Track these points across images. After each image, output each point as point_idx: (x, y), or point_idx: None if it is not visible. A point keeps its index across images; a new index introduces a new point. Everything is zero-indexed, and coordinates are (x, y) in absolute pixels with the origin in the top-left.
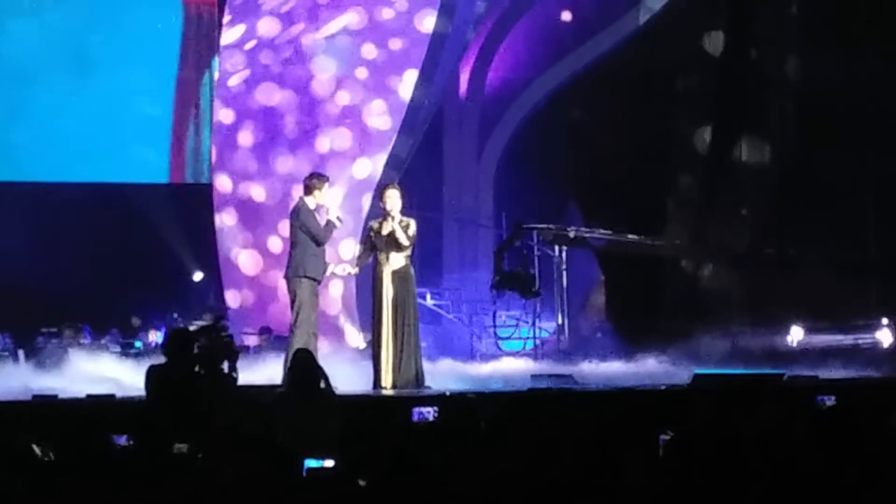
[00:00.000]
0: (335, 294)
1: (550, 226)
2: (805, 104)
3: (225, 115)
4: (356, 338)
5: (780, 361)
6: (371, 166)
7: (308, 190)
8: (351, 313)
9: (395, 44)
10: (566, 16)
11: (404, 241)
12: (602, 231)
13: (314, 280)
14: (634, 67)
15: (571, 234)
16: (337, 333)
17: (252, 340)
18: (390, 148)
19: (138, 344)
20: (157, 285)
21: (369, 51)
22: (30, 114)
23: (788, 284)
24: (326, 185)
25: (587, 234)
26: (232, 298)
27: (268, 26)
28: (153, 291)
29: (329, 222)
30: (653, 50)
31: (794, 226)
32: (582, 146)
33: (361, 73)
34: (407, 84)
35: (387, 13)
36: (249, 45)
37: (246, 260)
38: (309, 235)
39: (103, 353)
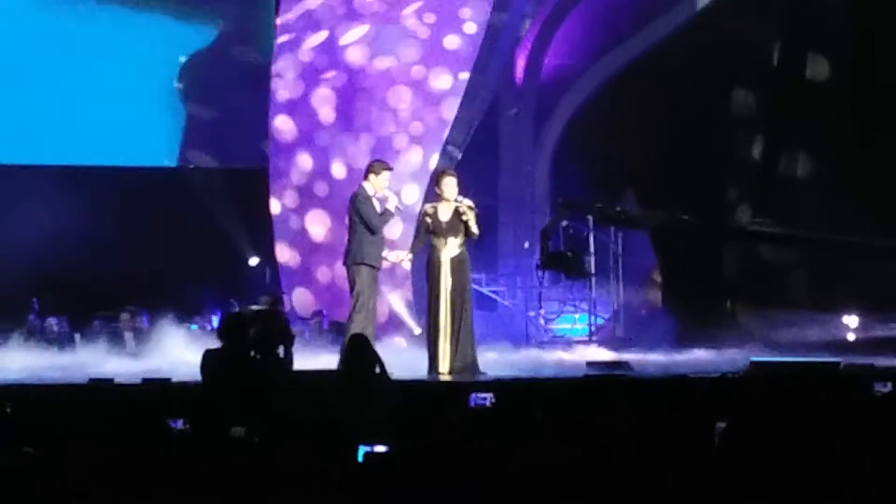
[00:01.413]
0: (392, 280)
1: (597, 203)
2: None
3: (279, 119)
4: (412, 323)
5: (837, 350)
6: (424, 155)
7: (367, 174)
8: (407, 299)
9: (449, 32)
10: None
11: (476, 229)
12: (652, 211)
13: (373, 267)
14: (691, 51)
15: (618, 210)
16: (393, 319)
17: (308, 324)
18: (446, 134)
19: (194, 326)
20: (213, 269)
21: (423, 38)
22: (89, 97)
23: (846, 272)
24: (385, 172)
25: (636, 214)
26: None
27: (317, 25)
28: (210, 275)
29: (386, 211)
30: (710, 35)
31: (852, 211)
32: (638, 132)
33: (413, 66)
34: (462, 70)
35: (444, 8)
36: (300, 45)
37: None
38: (363, 223)
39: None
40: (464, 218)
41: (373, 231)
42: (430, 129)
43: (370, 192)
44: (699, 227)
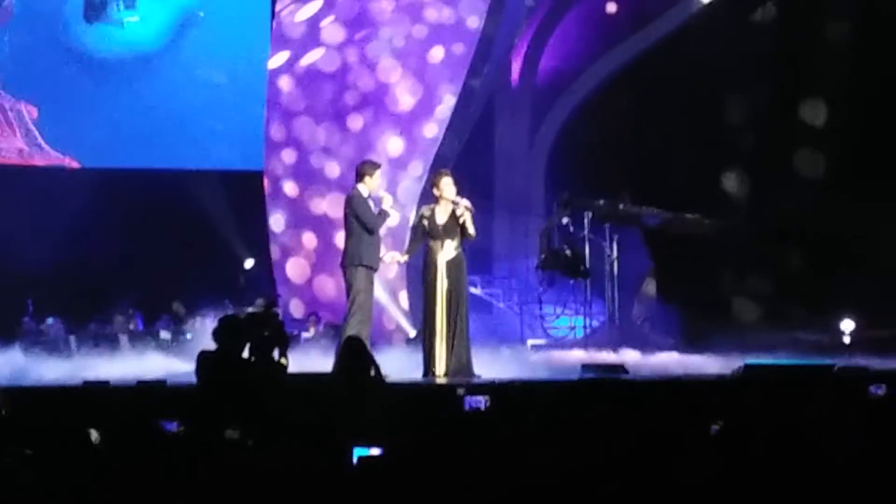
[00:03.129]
0: (386, 282)
1: (599, 201)
2: (862, 73)
3: (275, 128)
4: (407, 326)
5: (832, 352)
6: (418, 150)
7: (360, 177)
8: (401, 301)
9: (445, 40)
10: (612, 7)
11: (472, 230)
12: (652, 209)
13: (370, 268)
14: (686, 54)
15: (620, 208)
16: (388, 321)
17: (303, 327)
18: (440, 140)
19: (189, 333)
20: (209, 272)
21: (424, 52)
22: (101, 107)
23: (844, 273)
24: (377, 171)
25: (637, 211)
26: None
27: (316, 37)
28: (205, 278)
29: (382, 211)
30: (705, 34)
31: (850, 214)
32: (634, 134)
33: (415, 65)
34: (457, 78)
35: (441, 15)
36: (298, 57)
37: (294, 270)
38: (361, 224)
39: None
40: (461, 220)
41: (371, 231)
42: (425, 135)
43: (364, 193)
44: (696, 226)
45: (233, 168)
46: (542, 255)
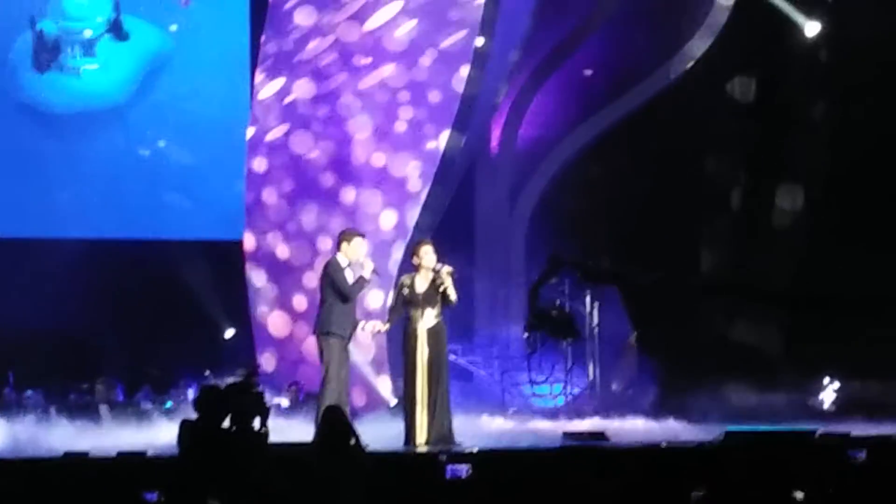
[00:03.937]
0: (367, 350)
1: (589, 261)
2: (839, 148)
3: (258, 167)
4: (388, 394)
5: (814, 417)
6: (403, 220)
7: (338, 245)
8: (382, 370)
9: (432, 97)
10: (595, 73)
11: (454, 296)
12: (641, 270)
13: (341, 337)
14: (667, 120)
15: (614, 268)
16: (368, 390)
17: (283, 398)
18: (422, 202)
19: (169, 403)
20: (189, 342)
21: (405, 106)
22: (61, 168)
23: (825, 336)
24: (357, 239)
25: (625, 271)
26: (264, 360)
27: (304, 81)
28: (186, 348)
29: (360, 278)
30: (685, 102)
31: (828, 273)
32: (614, 199)
33: (398, 126)
34: (441, 139)
35: (423, 68)
36: (286, 100)
37: (275, 322)
38: (335, 291)
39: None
40: (441, 288)
41: (346, 298)
42: (405, 195)
43: (343, 262)
44: (678, 288)
45: (210, 238)
46: (531, 316)
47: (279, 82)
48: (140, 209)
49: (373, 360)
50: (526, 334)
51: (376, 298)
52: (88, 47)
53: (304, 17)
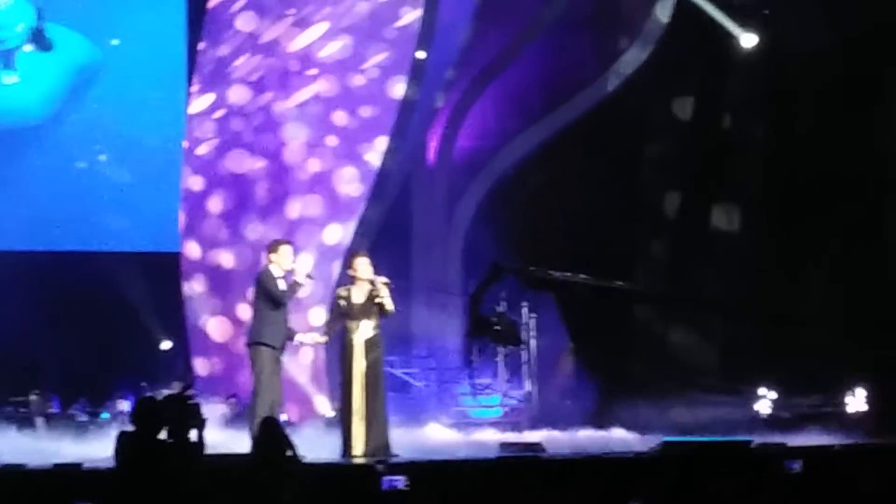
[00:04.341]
0: (304, 362)
1: (531, 267)
2: (775, 168)
3: (194, 182)
4: (325, 406)
5: (750, 427)
6: (341, 232)
7: (268, 256)
8: (320, 382)
9: (366, 111)
10: (533, 84)
11: (391, 306)
12: (585, 277)
13: (272, 347)
14: (604, 132)
15: (556, 276)
16: (306, 402)
17: (220, 408)
18: (360, 214)
19: (106, 414)
20: (125, 354)
21: (340, 118)
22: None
23: (762, 346)
24: (283, 247)
25: (570, 278)
26: (201, 366)
27: (238, 95)
28: (122, 360)
29: (293, 283)
30: (622, 114)
31: (764, 285)
32: (551, 212)
33: (332, 140)
34: (377, 151)
35: (357, 80)
36: (219, 114)
37: (215, 327)
38: (267, 298)
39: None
40: (377, 300)
41: (277, 304)
42: (343, 208)
43: (276, 272)
44: (617, 297)
45: (146, 250)
46: (472, 324)
47: (212, 96)
48: (73, 223)
49: (310, 372)
50: (468, 341)
51: (319, 315)
52: (7, 58)
53: (244, 23)
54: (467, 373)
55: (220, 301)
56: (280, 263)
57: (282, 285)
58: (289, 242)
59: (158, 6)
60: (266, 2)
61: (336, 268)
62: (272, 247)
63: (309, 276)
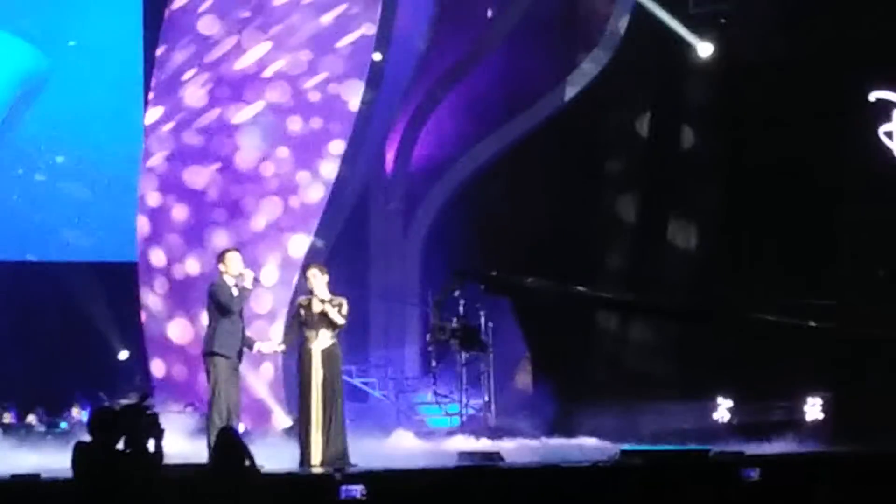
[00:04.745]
0: (263, 372)
1: (493, 272)
2: (732, 182)
3: (151, 196)
4: (282, 416)
5: (708, 437)
6: (300, 241)
7: (217, 266)
8: (278, 392)
9: (323, 120)
10: (490, 92)
11: (338, 320)
12: (547, 282)
13: (226, 357)
14: (563, 139)
15: (520, 280)
16: (263, 412)
17: (178, 417)
18: (317, 224)
19: (63, 424)
20: (83, 364)
21: (295, 126)
22: None
23: (717, 358)
24: (228, 254)
25: (534, 283)
26: (157, 368)
27: (191, 104)
28: (80, 370)
29: (242, 290)
30: (581, 122)
31: (723, 292)
32: (509, 222)
33: (285, 150)
34: (333, 159)
35: (312, 88)
36: (171, 125)
37: (176, 330)
38: (218, 307)
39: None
40: (319, 309)
41: (228, 311)
42: (300, 218)
43: (229, 280)
44: (580, 302)
45: (102, 260)
46: (434, 330)
47: (168, 103)
48: (29, 233)
49: (267, 381)
50: (429, 348)
51: (278, 329)
52: None
53: (205, 27)
54: (427, 381)
55: (180, 306)
56: (229, 271)
57: (235, 293)
58: (235, 250)
59: (113, 10)
60: (226, 8)
61: (296, 277)
62: (220, 257)
63: (256, 280)
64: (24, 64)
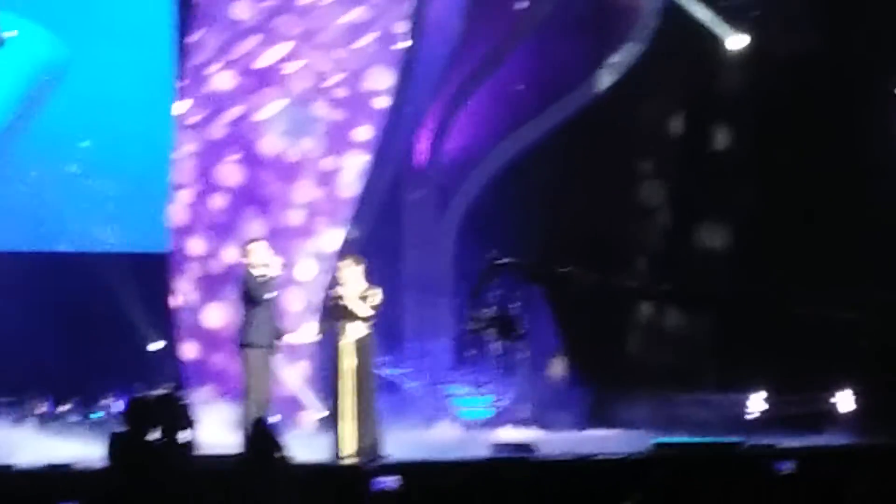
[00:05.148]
0: (298, 364)
1: (531, 262)
2: (767, 174)
3: (184, 187)
4: (317, 408)
5: (742, 428)
6: (333, 234)
7: (243, 257)
8: (313, 383)
9: (350, 111)
10: (523, 84)
11: (361, 312)
12: (587, 272)
13: (260, 346)
14: (595, 131)
15: (558, 269)
16: (298, 403)
17: (212, 408)
18: (350, 216)
19: (98, 414)
20: (117, 355)
21: (326, 117)
22: None
23: (753, 349)
24: (252, 245)
25: (570, 272)
26: (190, 354)
27: (221, 94)
28: (114, 360)
29: (269, 278)
30: (613, 114)
31: (761, 284)
32: (543, 211)
33: (318, 141)
34: (365, 150)
35: (342, 80)
36: (197, 119)
37: (210, 317)
38: (246, 297)
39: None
40: (347, 305)
41: (256, 300)
42: (334, 212)
43: (255, 272)
44: (617, 291)
45: (137, 251)
46: (471, 320)
47: (199, 93)
48: (61, 224)
49: (303, 373)
50: (464, 339)
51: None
52: None
53: (240, 12)
54: (461, 372)
55: (216, 295)
56: (254, 261)
57: (261, 281)
58: (258, 240)
59: None
60: None
61: (330, 269)
62: (244, 250)
63: (284, 266)
64: (41, 52)
